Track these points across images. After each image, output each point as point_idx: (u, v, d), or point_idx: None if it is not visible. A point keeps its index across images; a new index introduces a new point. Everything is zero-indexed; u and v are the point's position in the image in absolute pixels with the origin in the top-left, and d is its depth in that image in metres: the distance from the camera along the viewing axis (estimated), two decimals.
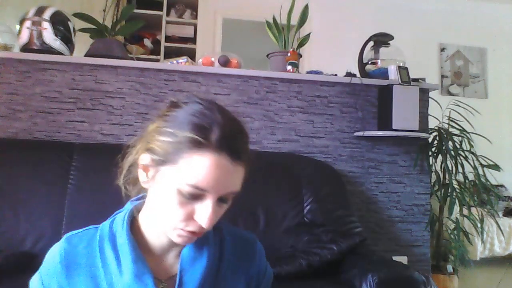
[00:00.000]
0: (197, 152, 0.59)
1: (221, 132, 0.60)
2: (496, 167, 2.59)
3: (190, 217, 0.60)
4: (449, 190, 2.47)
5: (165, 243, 0.67)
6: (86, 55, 2.19)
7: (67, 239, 0.67)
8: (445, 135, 2.54)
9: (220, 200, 0.61)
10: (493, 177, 2.62)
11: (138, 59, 2.88)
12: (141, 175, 0.65)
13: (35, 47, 2.05)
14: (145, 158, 0.64)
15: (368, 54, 2.50)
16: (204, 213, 0.59)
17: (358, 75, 2.43)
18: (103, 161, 1.86)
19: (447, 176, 2.54)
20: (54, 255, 0.65)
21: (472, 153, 2.57)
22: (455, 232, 2.56)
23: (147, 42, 3.96)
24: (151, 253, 0.67)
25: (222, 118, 0.62)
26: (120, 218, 0.68)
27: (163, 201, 0.62)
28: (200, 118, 0.61)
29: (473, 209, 2.64)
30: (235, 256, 0.72)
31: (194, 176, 0.58)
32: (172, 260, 0.68)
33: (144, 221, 0.68)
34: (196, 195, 0.59)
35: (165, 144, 0.61)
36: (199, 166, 0.58)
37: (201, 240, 0.67)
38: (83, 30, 2.27)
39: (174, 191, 0.59)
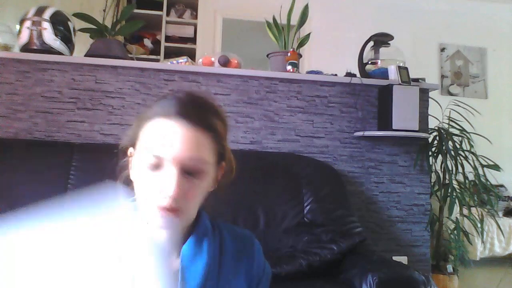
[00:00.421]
0: (152, 121, 0.62)
1: (176, 102, 0.63)
2: (496, 167, 2.59)
3: (158, 191, 0.61)
4: (449, 190, 2.47)
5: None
6: (86, 55, 2.19)
7: None
8: (445, 135, 2.54)
9: (188, 173, 0.61)
10: (493, 177, 2.62)
11: (138, 59, 2.88)
12: (130, 170, 0.68)
13: (35, 47, 2.05)
14: (131, 152, 0.68)
15: (368, 54, 2.50)
16: (167, 181, 0.59)
17: (358, 75, 2.43)
18: (103, 161, 1.87)
19: (447, 176, 2.54)
20: None
21: (472, 153, 2.57)
22: (455, 232, 2.56)
23: (147, 42, 3.96)
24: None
25: (184, 93, 0.65)
26: None
27: (137, 182, 0.64)
28: (165, 96, 0.65)
29: (473, 209, 2.64)
30: (235, 252, 0.72)
31: (150, 144, 0.61)
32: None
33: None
34: (157, 164, 0.60)
35: (134, 125, 0.66)
36: (152, 133, 0.62)
37: (200, 237, 0.68)
38: (83, 30, 2.27)
39: (142, 166, 0.62)
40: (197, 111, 0.63)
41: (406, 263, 2.26)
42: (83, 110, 2.11)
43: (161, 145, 0.60)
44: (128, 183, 0.70)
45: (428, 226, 2.39)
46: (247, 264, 0.72)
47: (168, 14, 4.04)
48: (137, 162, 0.64)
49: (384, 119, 2.27)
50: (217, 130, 0.65)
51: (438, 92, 4.24)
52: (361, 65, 2.47)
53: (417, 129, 2.23)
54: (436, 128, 2.61)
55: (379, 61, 2.47)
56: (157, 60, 3.73)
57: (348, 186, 2.23)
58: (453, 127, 2.67)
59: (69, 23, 2.14)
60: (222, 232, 0.73)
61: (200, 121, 0.62)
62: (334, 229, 1.81)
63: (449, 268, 2.53)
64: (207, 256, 0.67)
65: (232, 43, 4.19)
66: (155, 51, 3.97)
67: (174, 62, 2.27)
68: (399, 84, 2.23)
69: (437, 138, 2.58)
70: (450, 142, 2.54)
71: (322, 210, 1.92)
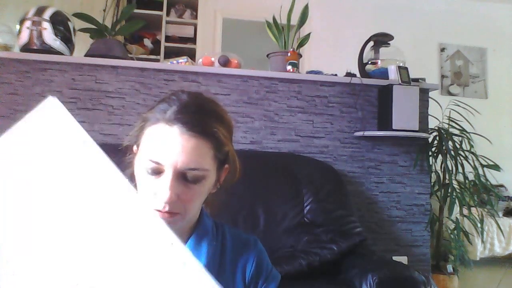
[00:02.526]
0: (152, 126, 0.62)
1: (177, 107, 0.62)
2: (496, 167, 2.59)
3: (155, 194, 0.62)
4: (449, 190, 2.47)
5: None
6: (86, 55, 2.19)
7: None
8: (445, 135, 2.54)
9: (185, 179, 0.61)
10: (493, 177, 2.62)
11: (138, 59, 2.88)
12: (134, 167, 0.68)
13: (35, 47, 2.05)
14: (134, 148, 0.68)
15: (368, 54, 2.50)
16: (163, 185, 0.60)
17: (358, 75, 2.43)
18: None
19: (447, 176, 2.54)
20: None
21: (472, 153, 2.57)
22: (455, 232, 2.56)
23: (147, 42, 3.96)
24: None
25: (187, 97, 0.64)
26: None
27: (138, 185, 0.64)
28: (166, 100, 0.65)
29: (473, 209, 2.64)
30: (236, 254, 0.72)
31: (150, 150, 0.61)
32: None
33: None
34: (156, 170, 0.61)
35: (135, 127, 0.66)
36: (153, 139, 0.62)
37: (200, 238, 0.68)
38: (83, 30, 2.27)
39: (142, 170, 0.62)
40: (198, 117, 0.63)
41: (406, 263, 2.25)
42: (83, 110, 2.11)
43: (160, 151, 0.60)
44: (133, 179, 0.70)
45: (428, 226, 2.39)
46: (246, 267, 0.72)
47: (168, 14, 4.04)
48: (138, 165, 0.64)
49: (384, 119, 2.27)
50: (219, 137, 0.64)
51: (438, 92, 4.24)
52: (361, 65, 2.47)
53: (417, 129, 2.23)
54: (436, 128, 2.61)
55: (379, 61, 2.47)
56: (157, 60, 3.73)
57: (348, 186, 2.23)
58: (453, 127, 2.67)
59: (69, 23, 2.14)
60: (225, 234, 0.73)
61: (201, 128, 0.62)
62: (334, 229, 1.82)
63: (449, 268, 2.53)
64: (206, 256, 0.67)
65: (232, 43, 4.18)
66: (155, 51, 3.96)
67: (174, 62, 2.27)
68: (399, 84, 2.23)
69: (437, 138, 2.58)
70: (450, 142, 2.54)
71: (322, 210, 1.92)
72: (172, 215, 0.61)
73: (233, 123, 0.70)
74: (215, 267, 0.68)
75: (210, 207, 0.76)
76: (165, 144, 0.60)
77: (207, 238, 0.69)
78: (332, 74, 2.40)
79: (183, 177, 0.61)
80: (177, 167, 0.60)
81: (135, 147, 0.68)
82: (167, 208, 0.60)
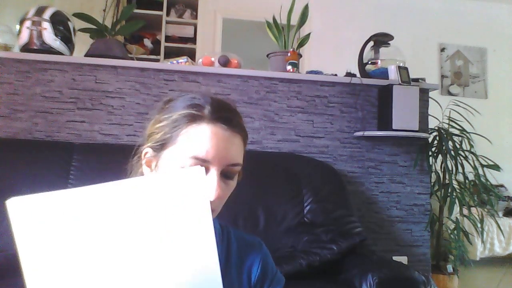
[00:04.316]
0: (193, 125, 0.62)
1: (212, 106, 0.63)
2: (496, 167, 2.59)
3: None
4: (449, 190, 2.47)
5: None
6: (86, 55, 2.19)
7: None
8: (445, 135, 2.54)
9: (225, 176, 0.62)
10: (493, 177, 2.62)
11: (138, 59, 2.88)
12: (146, 171, 0.67)
13: (35, 47, 2.05)
14: (147, 152, 0.66)
15: (368, 54, 2.50)
16: (210, 184, 0.60)
17: (358, 75, 2.43)
18: (103, 161, 1.87)
19: (447, 176, 2.54)
20: None
21: (472, 153, 2.57)
22: (455, 232, 2.56)
23: (147, 42, 3.96)
24: None
25: (212, 99, 0.66)
26: None
27: None
28: (193, 99, 0.65)
29: (473, 209, 2.64)
30: (240, 257, 0.72)
31: (194, 148, 0.60)
32: None
33: None
34: None
35: (163, 127, 0.64)
36: (197, 137, 0.61)
37: None
38: (83, 30, 2.27)
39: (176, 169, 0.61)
40: (233, 115, 0.65)
41: (406, 263, 2.26)
42: (83, 110, 2.11)
43: (207, 149, 0.60)
44: None
45: (428, 226, 2.39)
46: (251, 270, 0.72)
47: (168, 14, 4.04)
48: (171, 165, 0.62)
49: (384, 119, 2.27)
50: (246, 132, 0.67)
51: (438, 92, 4.24)
52: (361, 65, 2.47)
53: (417, 129, 2.23)
54: (436, 128, 2.61)
55: (379, 61, 2.47)
56: (157, 60, 3.73)
57: (348, 186, 2.23)
58: (453, 127, 2.67)
59: (69, 23, 2.14)
60: (230, 237, 0.73)
61: (237, 124, 0.64)
62: (334, 229, 1.81)
63: (449, 268, 2.52)
64: None
65: (232, 43, 4.18)
66: (155, 51, 3.97)
67: (174, 62, 2.27)
68: (399, 84, 2.23)
69: (437, 138, 2.58)
70: (450, 142, 2.54)
71: (322, 210, 1.92)
72: (212, 213, 0.61)
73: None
74: (220, 270, 0.68)
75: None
76: (212, 141, 0.60)
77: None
78: (332, 74, 2.40)
79: (224, 174, 0.62)
80: (223, 163, 0.61)
81: (146, 150, 0.66)
82: (211, 207, 0.60)
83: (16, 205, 0.42)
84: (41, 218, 0.42)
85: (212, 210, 0.60)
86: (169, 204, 0.46)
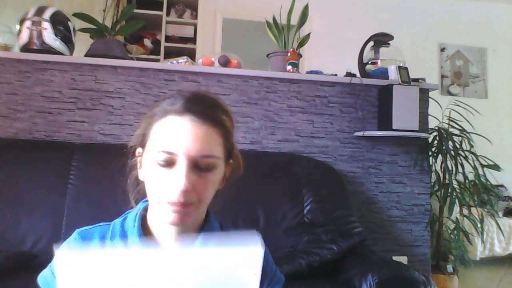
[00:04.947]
0: (162, 119, 0.64)
1: (185, 100, 0.64)
2: (496, 167, 2.59)
3: (169, 187, 0.62)
4: (449, 190, 2.47)
5: (171, 236, 0.67)
6: (86, 55, 2.19)
7: (79, 233, 0.68)
8: (445, 135, 2.54)
9: (198, 168, 0.62)
10: (493, 177, 2.62)
11: (138, 59, 2.88)
12: (138, 170, 0.69)
13: (35, 47, 2.05)
14: (139, 152, 0.68)
15: (368, 54, 2.50)
16: (177, 175, 0.60)
17: (358, 75, 2.43)
18: (103, 161, 1.87)
19: (447, 176, 2.54)
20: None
21: (472, 153, 2.57)
22: (455, 232, 2.56)
23: (147, 42, 3.96)
24: None
25: (192, 93, 0.66)
26: (131, 217, 0.70)
27: (148, 179, 0.64)
28: (172, 96, 0.66)
29: (473, 209, 2.64)
30: None
31: (162, 141, 0.62)
32: None
33: (150, 217, 0.69)
34: (169, 161, 0.61)
35: (143, 125, 0.67)
36: (164, 130, 0.63)
37: (207, 237, 0.68)
38: (83, 30, 2.27)
39: (153, 164, 0.62)
40: (206, 107, 0.65)
41: (406, 263, 2.26)
42: (83, 110, 2.11)
43: (172, 141, 0.61)
44: (137, 184, 0.71)
45: (428, 226, 2.39)
46: None
47: (168, 14, 4.04)
48: (148, 160, 0.64)
49: (384, 119, 2.27)
50: (226, 126, 0.66)
51: (438, 92, 4.24)
52: (361, 65, 2.47)
53: (417, 129, 2.23)
54: (436, 128, 2.61)
55: (379, 61, 2.47)
56: (157, 60, 3.73)
57: (348, 186, 2.23)
58: (453, 127, 2.67)
59: (69, 23, 2.14)
60: None
61: (210, 117, 0.64)
62: (334, 229, 1.81)
63: (449, 268, 2.52)
64: None
65: (232, 43, 4.18)
66: (155, 51, 3.97)
67: (174, 62, 2.27)
68: (399, 84, 2.23)
69: (437, 138, 2.58)
70: (450, 142, 2.54)
71: (322, 210, 1.92)
72: (187, 206, 0.61)
73: (235, 119, 0.72)
74: None
75: (214, 207, 0.76)
76: (177, 133, 0.61)
77: (214, 239, 0.69)
78: (332, 74, 2.40)
79: (196, 166, 0.62)
80: (191, 155, 0.61)
81: (139, 150, 0.68)
82: (181, 199, 0.60)
83: (65, 258, 0.42)
84: (87, 274, 0.43)
85: (189, 205, 0.61)
86: (221, 279, 0.47)
